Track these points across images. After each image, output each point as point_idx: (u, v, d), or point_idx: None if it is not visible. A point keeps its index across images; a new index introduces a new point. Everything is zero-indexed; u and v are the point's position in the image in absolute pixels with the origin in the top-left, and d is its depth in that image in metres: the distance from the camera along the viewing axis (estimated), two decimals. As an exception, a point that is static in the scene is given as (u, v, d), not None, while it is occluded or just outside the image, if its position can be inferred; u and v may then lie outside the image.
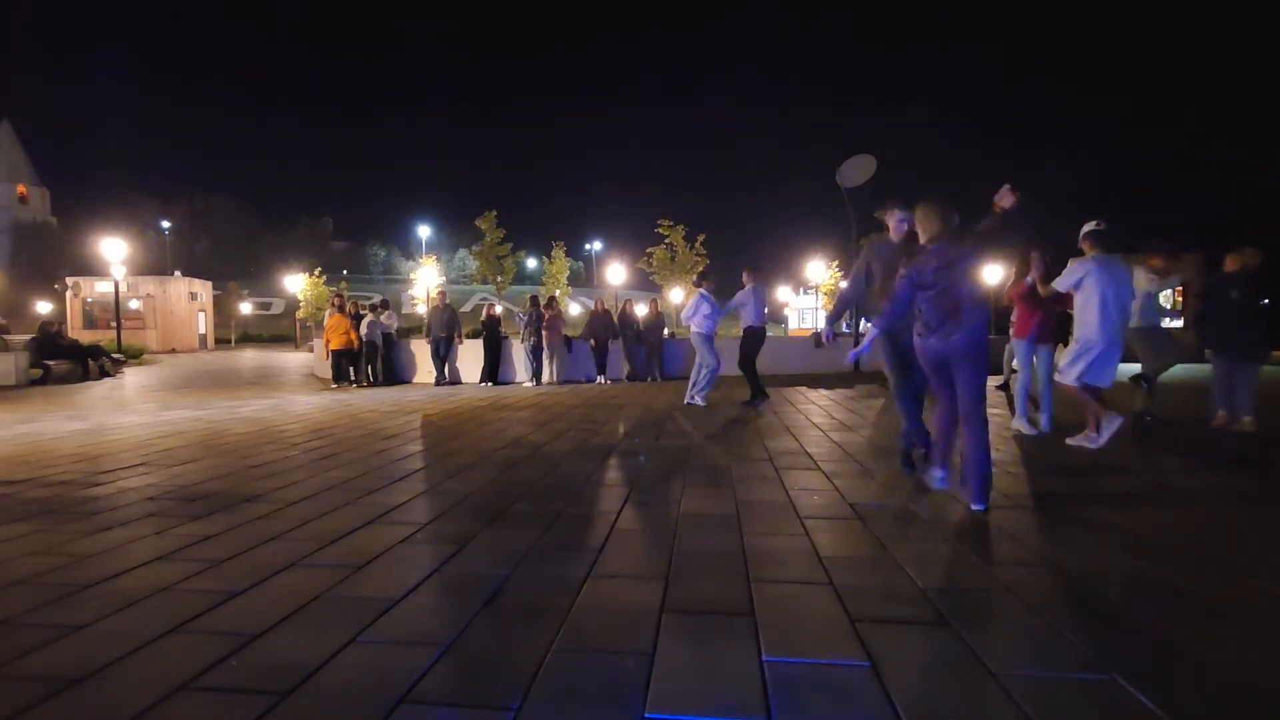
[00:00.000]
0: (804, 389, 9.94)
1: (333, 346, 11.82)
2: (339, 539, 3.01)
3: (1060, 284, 5.11)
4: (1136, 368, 6.26)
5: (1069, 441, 5.09)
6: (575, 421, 6.98)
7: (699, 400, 7.97)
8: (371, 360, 12.39)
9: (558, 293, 42.59)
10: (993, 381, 10.19)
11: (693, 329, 8.07)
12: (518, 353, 12.59)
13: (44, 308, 42.94)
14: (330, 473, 4.48)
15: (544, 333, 12.13)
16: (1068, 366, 4.99)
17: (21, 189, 72.45)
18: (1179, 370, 7.38)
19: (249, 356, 27.35)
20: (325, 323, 12.15)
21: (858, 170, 11.94)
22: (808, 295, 46.20)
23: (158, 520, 3.37)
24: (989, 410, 3.52)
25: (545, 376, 12.32)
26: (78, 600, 2.35)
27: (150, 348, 28.79)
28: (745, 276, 8.00)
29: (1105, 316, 4.82)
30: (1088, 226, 5.03)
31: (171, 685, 1.74)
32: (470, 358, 12.79)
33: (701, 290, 8.23)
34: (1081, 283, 4.92)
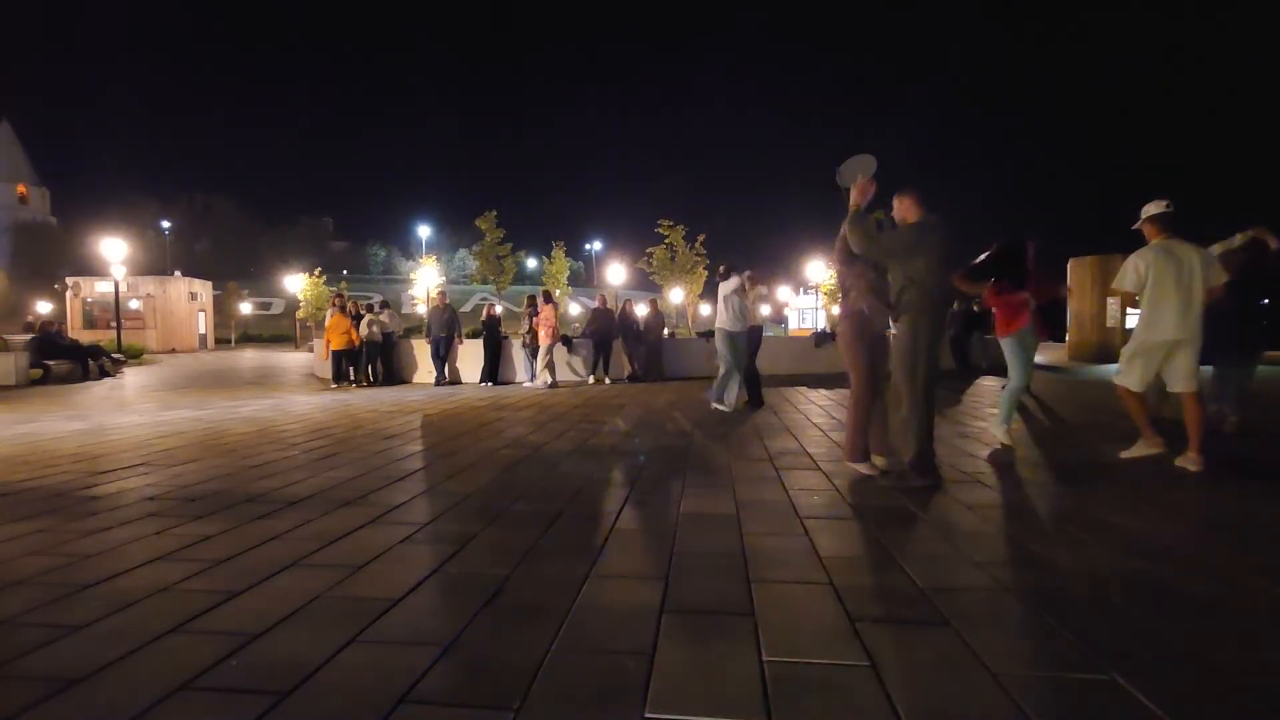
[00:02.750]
0: (804, 389, 9.93)
1: (333, 346, 11.81)
2: (339, 539, 3.01)
3: (1126, 285, 4.38)
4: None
5: (1122, 455, 4.50)
6: (575, 421, 6.98)
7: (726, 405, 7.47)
8: (371, 360, 12.39)
9: (556, 292, 42.58)
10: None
11: (733, 328, 7.41)
12: (518, 353, 12.58)
13: (44, 308, 42.88)
14: (330, 473, 4.48)
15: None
16: (1126, 366, 4.43)
17: (21, 189, 72.43)
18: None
19: (249, 356, 27.33)
20: (326, 322, 12.11)
21: (858, 169, 11.91)
22: (808, 295, 46.17)
23: (158, 520, 3.37)
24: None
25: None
26: (78, 600, 2.35)
27: (150, 348, 28.76)
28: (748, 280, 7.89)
29: (1170, 309, 4.21)
30: (1152, 209, 4.38)
31: (171, 685, 1.74)
32: (470, 358, 12.78)
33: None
34: (1148, 277, 4.26)
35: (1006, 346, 5.16)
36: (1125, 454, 4.50)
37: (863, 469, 4.16)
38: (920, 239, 3.85)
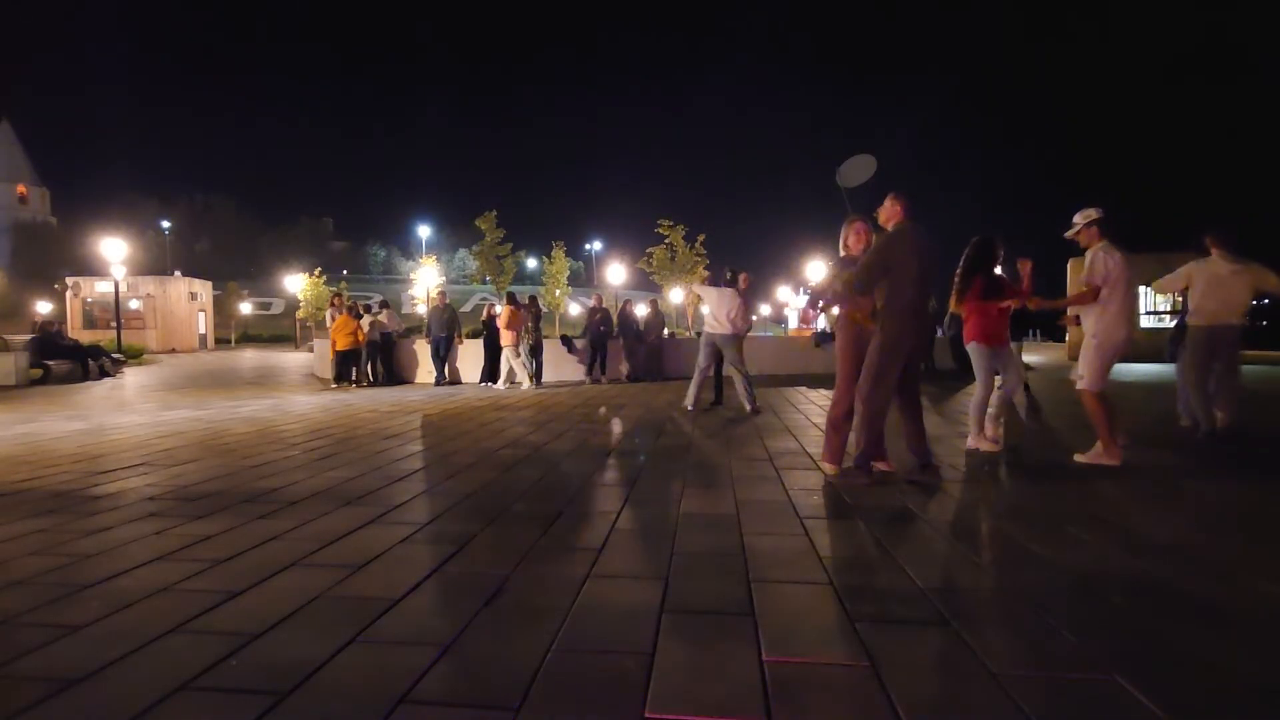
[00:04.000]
0: (804, 389, 9.93)
1: (339, 348, 11.79)
2: (339, 539, 3.01)
3: (1100, 279, 4.48)
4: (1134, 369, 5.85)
5: (1079, 459, 4.52)
6: (575, 422, 6.98)
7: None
8: (372, 360, 12.39)
9: (558, 292, 42.59)
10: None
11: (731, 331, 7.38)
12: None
13: (44, 308, 42.88)
14: (330, 473, 4.48)
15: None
16: (1093, 370, 4.50)
17: (21, 189, 72.51)
18: (1155, 370, 7.28)
19: (249, 356, 27.34)
20: (332, 323, 12.03)
21: (857, 170, 11.92)
22: (807, 295, 46.10)
23: (158, 520, 3.37)
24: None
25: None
26: (78, 600, 2.34)
27: (150, 348, 28.76)
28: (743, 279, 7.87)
29: (1129, 310, 4.58)
30: (1090, 214, 4.57)
31: (171, 685, 1.74)
32: (470, 358, 12.79)
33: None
34: (1113, 275, 4.47)
35: (974, 353, 5.06)
36: (1080, 458, 4.51)
37: (827, 469, 4.21)
38: (894, 247, 3.87)
